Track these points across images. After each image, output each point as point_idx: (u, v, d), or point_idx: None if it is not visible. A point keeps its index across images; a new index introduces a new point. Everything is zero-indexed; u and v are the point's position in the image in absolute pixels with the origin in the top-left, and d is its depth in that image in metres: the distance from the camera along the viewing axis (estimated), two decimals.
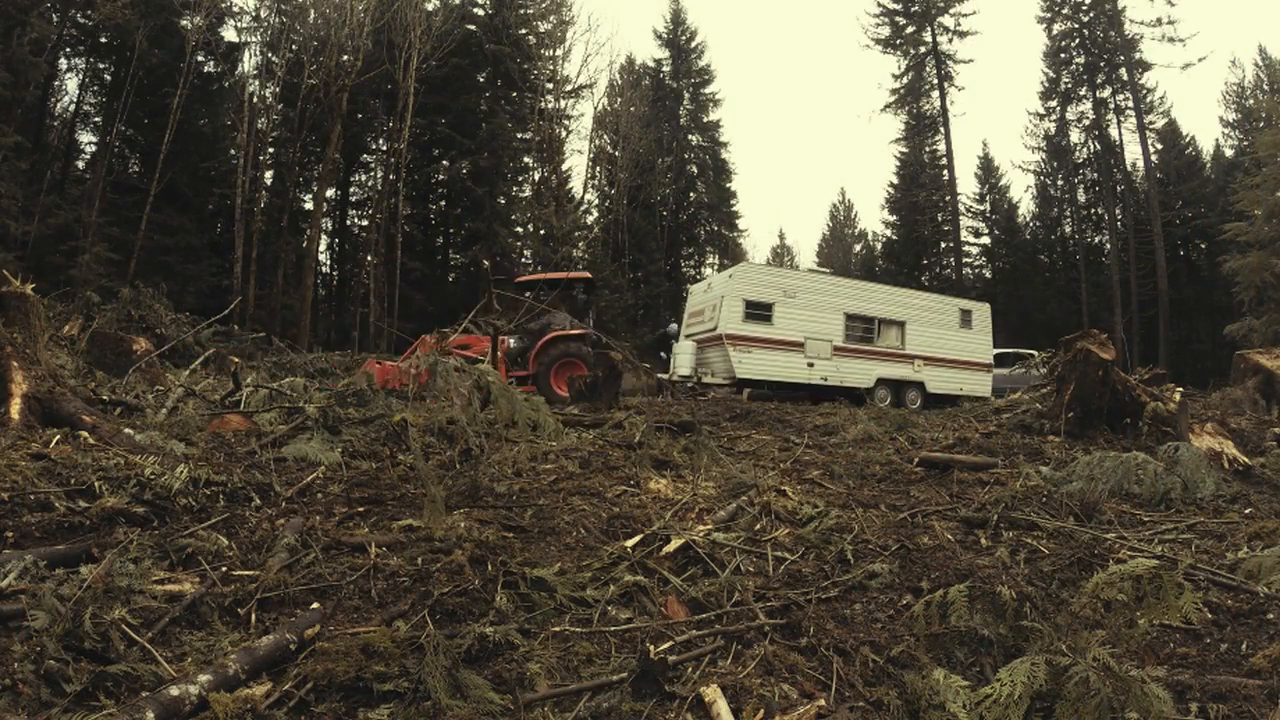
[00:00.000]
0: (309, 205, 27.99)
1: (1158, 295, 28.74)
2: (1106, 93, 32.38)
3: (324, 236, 29.17)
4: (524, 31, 31.19)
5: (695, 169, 38.90)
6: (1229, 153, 34.73)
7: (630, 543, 3.39)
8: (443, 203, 32.50)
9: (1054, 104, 35.00)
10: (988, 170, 40.92)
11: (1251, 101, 32.99)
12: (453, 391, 3.41)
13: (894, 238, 41.54)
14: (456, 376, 3.49)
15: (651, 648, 2.27)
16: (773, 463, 5.57)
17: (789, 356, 13.55)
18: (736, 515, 3.94)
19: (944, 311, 16.09)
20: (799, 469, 5.30)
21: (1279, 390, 8.32)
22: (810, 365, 13.84)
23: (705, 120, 38.71)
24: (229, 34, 26.10)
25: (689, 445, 6.06)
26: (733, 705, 2.05)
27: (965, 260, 38.09)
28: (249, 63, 26.50)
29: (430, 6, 27.16)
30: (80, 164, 25.08)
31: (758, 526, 3.75)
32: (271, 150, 26.61)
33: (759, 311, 13.58)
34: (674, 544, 3.35)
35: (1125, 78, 31.22)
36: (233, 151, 25.04)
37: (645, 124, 33.18)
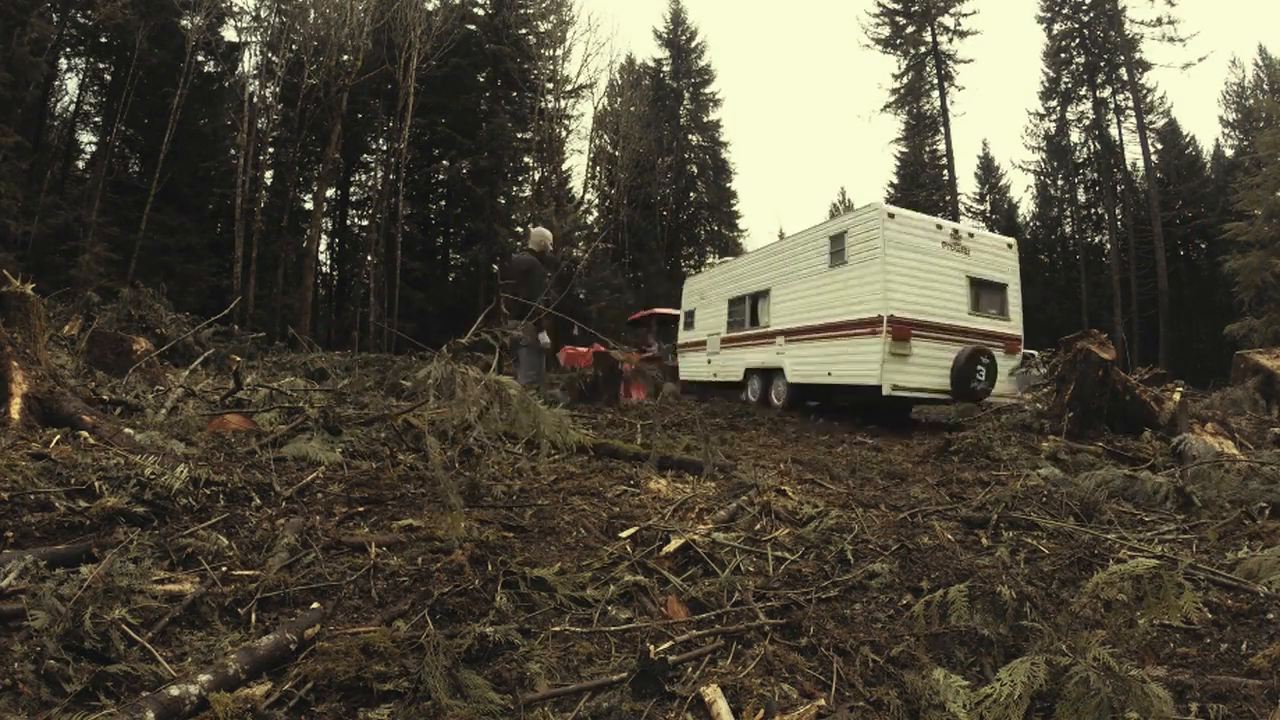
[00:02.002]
0: (309, 205, 28.01)
1: (1158, 295, 28.74)
2: (1106, 93, 32.40)
3: (324, 236, 29.18)
4: (524, 31, 31.20)
5: (695, 169, 38.91)
6: (1229, 153, 34.73)
7: (625, 534, 3.40)
8: (443, 203, 32.54)
9: (1054, 104, 35.02)
10: (988, 170, 40.98)
11: (1251, 101, 32.98)
12: (470, 401, 3.37)
13: None
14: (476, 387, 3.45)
15: (651, 647, 2.27)
16: (773, 463, 5.58)
17: (699, 356, 13.70)
18: (736, 515, 3.95)
19: (805, 251, 10.06)
20: (799, 469, 5.30)
21: (1279, 390, 8.32)
22: (708, 362, 13.29)
23: (705, 120, 38.73)
24: (229, 34, 26.13)
25: (690, 446, 6.07)
26: (733, 705, 2.05)
27: None
28: (249, 63, 26.52)
29: (430, 6, 27.17)
30: (80, 164, 25.09)
31: (758, 526, 3.75)
32: (271, 150, 26.60)
33: (689, 319, 14.70)
34: (674, 544, 3.35)
35: (1125, 77, 31.23)
36: (233, 151, 25.05)
37: (645, 124, 33.19)
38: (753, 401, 10.81)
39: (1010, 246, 9.53)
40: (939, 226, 8.94)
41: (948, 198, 35.95)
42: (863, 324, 8.53)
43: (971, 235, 9.13)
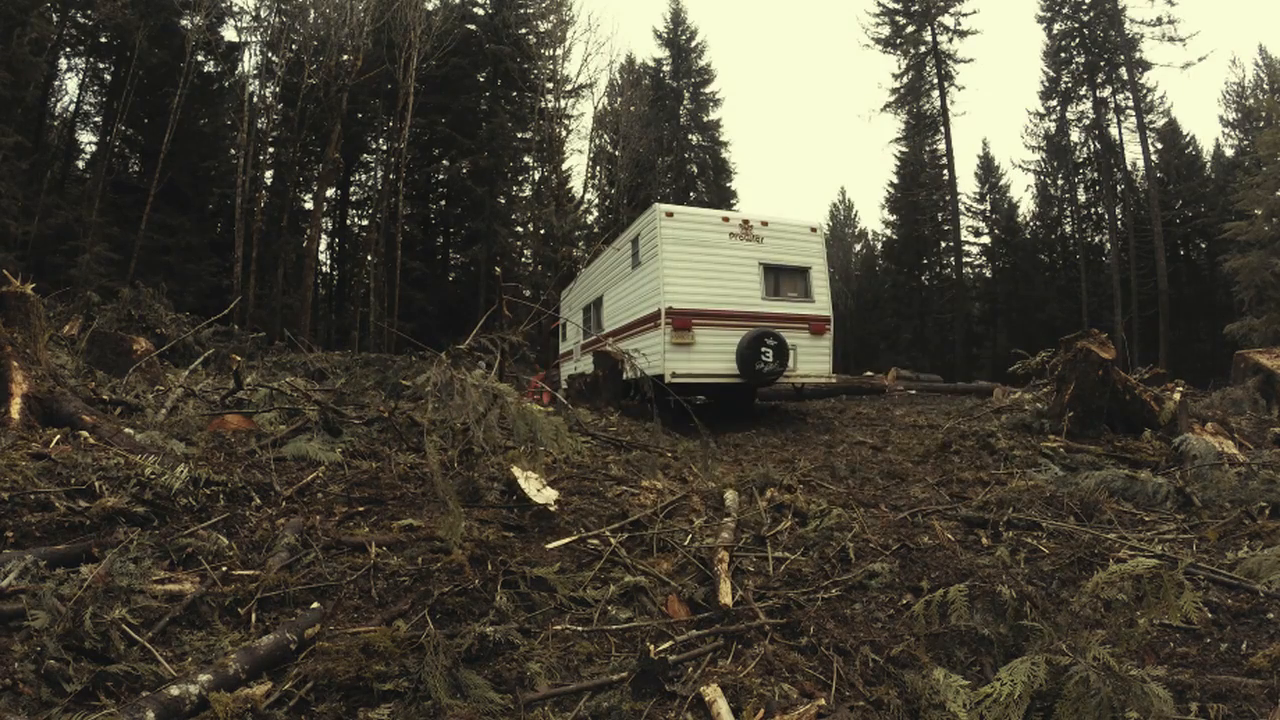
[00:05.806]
0: (309, 205, 27.99)
1: (1158, 295, 28.71)
2: (1106, 92, 32.37)
3: (324, 236, 29.19)
4: (524, 31, 31.17)
5: (695, 169, 38.91)
6: (1229, 152, 34.71)
7: (620, 537, 3.39)
8: (443, 202, 32.52)
9: (1054, 103, 34.99)
10: (988, 170, 40.97)
11: (1251, 101, 32.94)
12: (469, 408, 3.37)
13: (894, 237, 41.65)
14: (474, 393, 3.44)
15: (651, 647, 2.27)
16: (774, 463, 5.58)
17: (569, 366, 14.02)
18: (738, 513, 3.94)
19: (620, 256, 10.78)
20: (798, 468, 5.29)
21: (1279, 390, 8.31)
22: (576, 369, 13.25)
23: (705, 120, 38.73)
24: (229, 34, 26.10)
25: (689, 448, 6.07)
26: (733, 705, 2.05)
27: (965, 260, 38.13)
28: (249, 62, 26.50)
29: (430, 6, 27.14)
30: (80, 164, 25.09)
31: (759, 525, 3.75)
32: (271, 150, 26.59)
33: (563, 331, 14.75)
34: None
35: (1125, 77, 31.20)
36: (233, 151, 25.05)
37: (645, 124, 33.14)
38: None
39: (814, 231, 10.02)
40: (726, 219, 9.62)
41: (947, 197, 35.92)
42: (650, 318, 9.23)
43: (766, 224, 9.64)
